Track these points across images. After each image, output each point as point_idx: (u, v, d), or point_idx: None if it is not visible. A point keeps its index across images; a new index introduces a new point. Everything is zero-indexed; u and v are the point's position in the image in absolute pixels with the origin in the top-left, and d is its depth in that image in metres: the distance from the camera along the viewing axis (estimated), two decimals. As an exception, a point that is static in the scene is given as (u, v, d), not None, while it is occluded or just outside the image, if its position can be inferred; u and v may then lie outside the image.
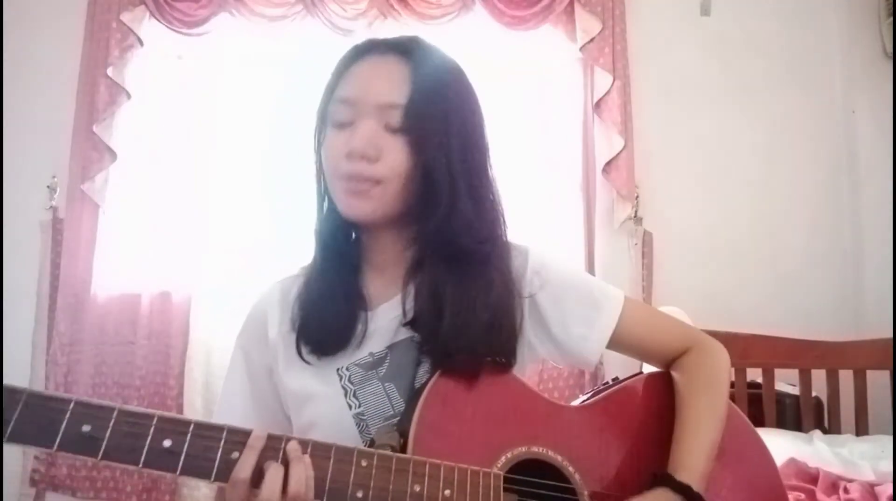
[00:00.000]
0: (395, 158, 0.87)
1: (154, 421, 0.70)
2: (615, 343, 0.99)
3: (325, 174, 0.93)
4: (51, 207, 3.05)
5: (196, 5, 3.03)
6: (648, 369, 1.06)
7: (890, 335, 2.46)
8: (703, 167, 3.11)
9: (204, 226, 3.06)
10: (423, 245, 0.91)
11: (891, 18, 2.93)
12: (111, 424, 0.68)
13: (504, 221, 0.97)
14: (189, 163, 3.08)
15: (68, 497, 2.88)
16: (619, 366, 1.10)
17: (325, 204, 0.95)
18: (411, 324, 0.90)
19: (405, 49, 0.92)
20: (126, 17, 3.01)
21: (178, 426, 0.71)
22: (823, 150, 3.12)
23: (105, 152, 3.01)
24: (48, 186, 3.04)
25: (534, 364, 3.12)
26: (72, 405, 0.67)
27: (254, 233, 3.02)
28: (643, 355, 1.06)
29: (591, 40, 3.04)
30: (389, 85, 0.88)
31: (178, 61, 3.14)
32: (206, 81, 3.12)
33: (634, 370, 1.06)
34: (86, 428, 0.67)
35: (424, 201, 0.89)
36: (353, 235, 0.97)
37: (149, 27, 3.06)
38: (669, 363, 1.02)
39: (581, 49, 3.06)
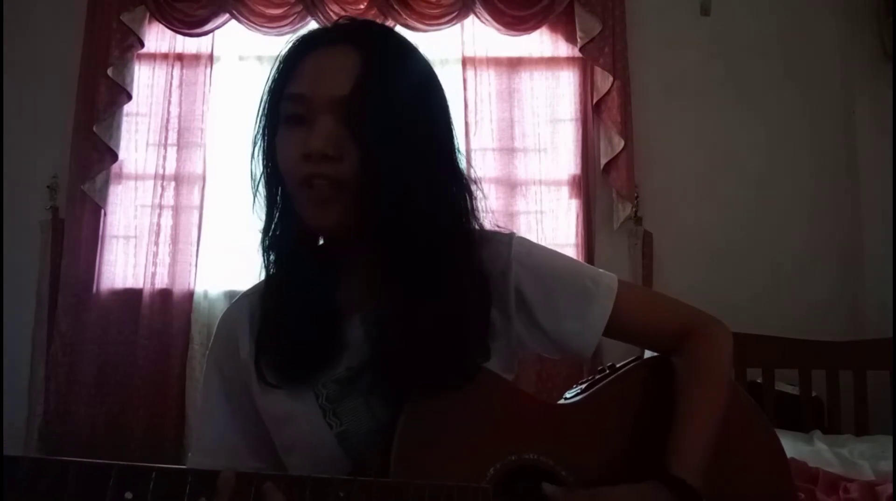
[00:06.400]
0: (356, 154, 0.79)
1: (114, 472, 0.65)
2: (609, 332, 0.92)
3: (281, 179, 0.84)
4: (51, 207, 3.05)
5: (196, 5, 3.03)
6: (648, 353, 1.00)
7: (890, 335, 2.46)
8: (703, 167, 3.11)
9: (205, 225, 3.06)
10: (379, 250, 0.82)
11: (891, 18, 2.93)
12: (68, 479, 0.64)
13: (469, 217, 0.87)
14: (189, 162, 3.08)
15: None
16: (618, 352, 1.05)
17: (279, 210, 0.87)
18: (375, 346, 0.84)
19: (357, 36, 0.83)
20: (126, 17, 3.01)
21: (138, 476, 0.66)
22: (823, 150, 3.12)
23: (105, 152, 3.01)
24: (48, 187, 3.04)
25: (532, 365, 3.10)
26: (23, 462, 0.63)
27: (255, 232, 3.01)
28: (640, 342, 0.99)
29: (591, 40, 3.04)
30: (344, 77, 0.79)
31: (178, 61, 3.14)
32: (206, 80, 3.12)
33: (633, 354, 1.00)
34: (42, 486, 0.64)
35: (378, 198, 0.79)
36: (320, 239, 0.90)
37: (149, 27, 3.06)
38: (668, 348, 0.96)
39: (581, 49, 3.06)
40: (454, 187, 0.85)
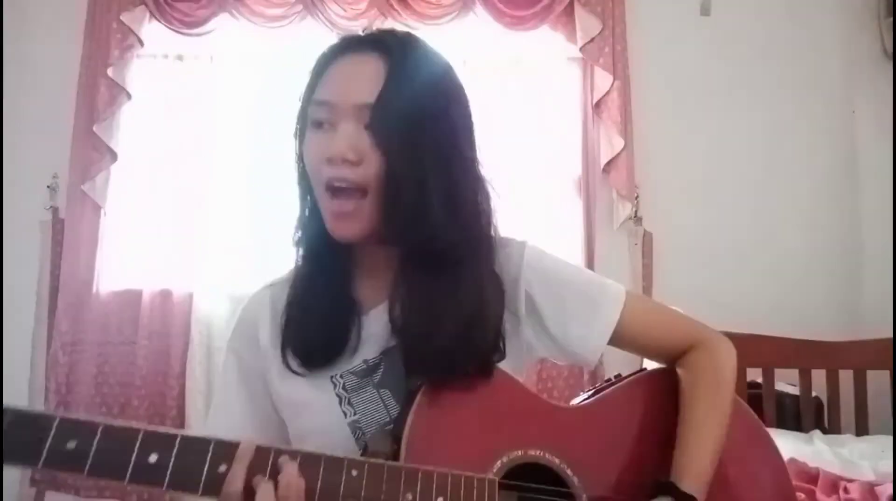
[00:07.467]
0: (376, 160, 0.83)
1: (140, 435, 0.69)
2: (615, 341, 0.96)
3: (309, 178, 0.90)
4: (51, 207, 3.05)
5: (196, 5, 3.03)
6: (650, 364, 1.03)
7: (890, 335, 2.46)
8: (704, 167, 3.11)
9: (205, 225, 3.06)
10: (402, 249, 0.88)
11: (891, 18, 2.93)
12: (96, 439, 0.67)
13: (489, 221, 0.91)
14: (189, 162, 3.08)
15: (70, 497, 2.89)
16: (620, 364, 1.08)
17: (308, 208, 0.92)
18: (397, 335, 0.87)
19: (384, 45, 0.87)
20: (126, 17, 3.01)
21: (164, 441, 0.69)
22: (823, 150, 3.11)
23: (105, 152, 3.01)
24: (48, 186, 3.04)
25: (532, 364, 3.11)
26: (56, 421, 0.67)
27: (255, 232, 3.02)
28: (645, 352, 1.02)
29: (591, 40, 3.04)
30: (367, 84, 0.84)
31: (178, 61, 3.14)
32: (206, 80, 3.12)
33: (635, 367, 1.03)
34: (71, 445, 0.66)
35: (397, 203, 0.84)
36: None
37: (149, 27, 3.06)
38: (673, 360, 0.98)
39: (581, 49, 3.06)
40: (474, 193, 0.90)
